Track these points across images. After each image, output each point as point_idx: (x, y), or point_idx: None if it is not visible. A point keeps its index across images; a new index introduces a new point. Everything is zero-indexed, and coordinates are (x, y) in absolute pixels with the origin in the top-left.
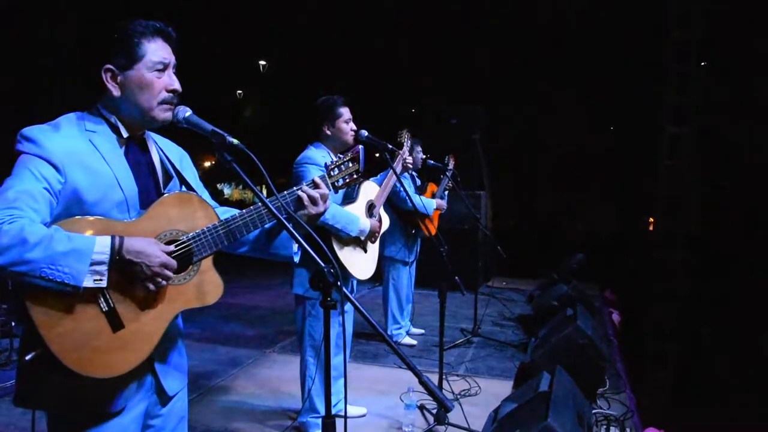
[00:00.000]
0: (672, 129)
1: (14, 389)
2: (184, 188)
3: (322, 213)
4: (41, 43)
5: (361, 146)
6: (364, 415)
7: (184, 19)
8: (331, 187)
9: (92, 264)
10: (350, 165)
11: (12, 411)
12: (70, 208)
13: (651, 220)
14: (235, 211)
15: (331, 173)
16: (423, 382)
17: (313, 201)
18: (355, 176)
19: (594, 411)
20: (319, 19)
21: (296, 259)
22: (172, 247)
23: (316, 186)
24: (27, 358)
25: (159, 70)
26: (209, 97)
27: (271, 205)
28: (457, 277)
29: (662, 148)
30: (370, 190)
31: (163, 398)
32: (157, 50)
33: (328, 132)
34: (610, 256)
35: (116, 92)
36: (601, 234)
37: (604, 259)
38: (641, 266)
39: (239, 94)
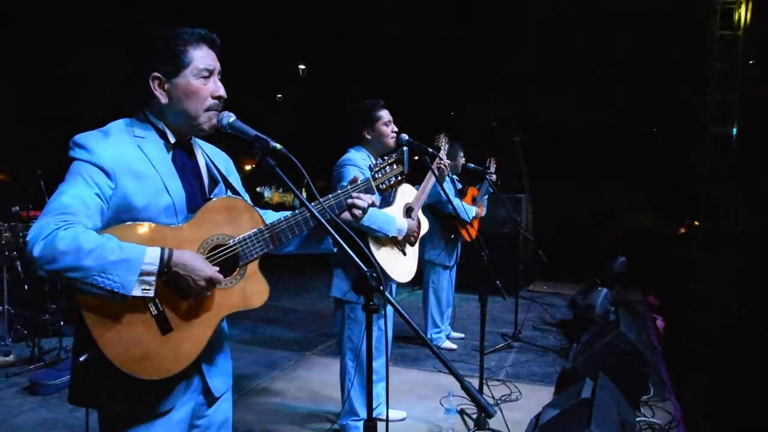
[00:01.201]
0: (716, 129)
1: (68, 388)
2: (230, 193)
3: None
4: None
5: (406, 148)
6: (403, 419)
7: (227, 24)
8: (375, 190)
9: (141, 274)
10: (395, 167)
11: (62, 408)
12: (119, 212)
13: (696, 223)
14: (277, 215)
15: (376, 175)
16: (465, 387)
17: (364, 211)
18: (399, 178)
19: (637, 419)
20: (356, 23)
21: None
22: (216, 269)
23: (366, 191)
24: (81, 359)
25: (205, 77)
26: (248, 101)
27: (314, 210)
28: (498, 282)
29: (705, 149)
30: (407, 193)
31: (210, 399)
32: (202, 57)
33: (368, 136)
34: (653, 259)
35: (164, 99)
36: (643, 237)
37: (647, 263)
38: (684, 270)
39: (279, 98)
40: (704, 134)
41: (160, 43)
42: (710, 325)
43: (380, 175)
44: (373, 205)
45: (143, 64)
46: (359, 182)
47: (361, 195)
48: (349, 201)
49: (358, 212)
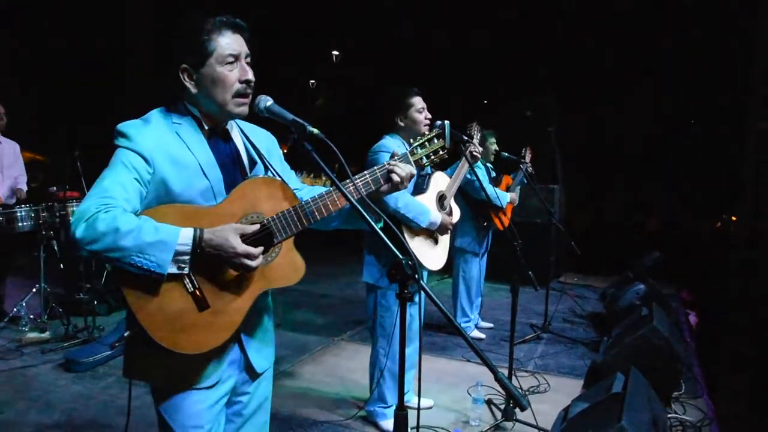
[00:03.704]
0: (762, 125)
1: (123, 360)
2: (269, 173)
3: (385, 211)
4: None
5: (447, 122)
6: (431, 407)
7: (262, 9)
8: (413, 165)
9: (176, 254)
10: (435, 141)
11: (95, 385)
12: (159, 196)
13: (733, 218)
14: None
15: (415, 150)
16: (499, 379)
17: (402, 180)
18: (440, 152)
19: (668, 416)
20: (390, 11)
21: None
22: (253, 228)
23: (397, 165)
24: (125, 334)
25: (230, 63)
26: (282, 86)
27: (347, 194)
28: (530, 272)
29: (750, 145)
30: (440, 181)
31: (252, 375)
32: (227, 44)
33: (401, 123)
34: (687, 255)
35: (194, 89)
36: (677, 231)
37: (681, 258)
38: (721, 266)
39: (312, 84)
40: (748, 128)
41: (184, 35)
42: (746, 321)
43: (420, 150)
44: (411, 176)
45: (171, 57)
46: (397, 157)
47: (399, 164)
48: (388, 167)
49: (396, 178)
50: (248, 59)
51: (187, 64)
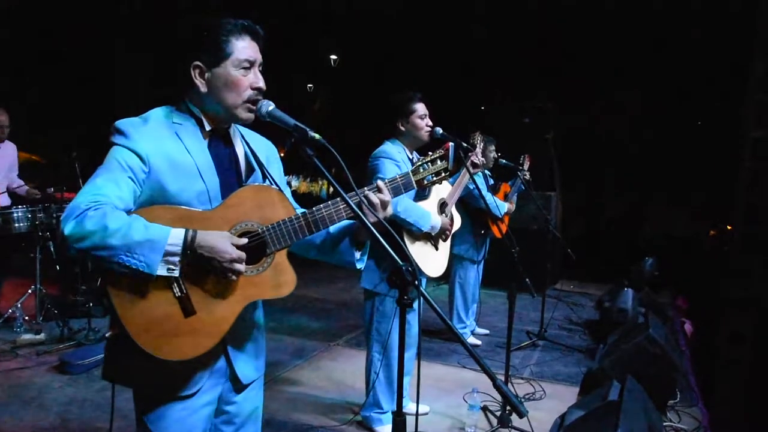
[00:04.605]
0: (755, 133)
1: (103, 362)
2: (267, 181)
3: (385, 218)
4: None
5: (452, 143)
6: (426, 413)
7: (260, 12)
8: (414, 185)
9: (165, 254)
10: (439, 162)
11: (89, 387)
12: (154, 196)
13: (729, 227)
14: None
15: (419, 169)
16: (497, 386)
17: (374, 207)
18: (443, 174)
19: (664, 424)
20: (389, 14)
21: (359, 266)
22: (244, 240)
23: (378, 191)
24: (107, 335)
25: (245, 68)
26: (279, 89)
27: (350, 201)
28: (527, 279)
29: (744, 151)
30: (442, 188)
31: (237, 385)
32: (244, 48)
33: (402, 128)
34: (683, 262)
35: (203, 88)
36: (675, 239)
37: (678, 266)
38: (717, 274)
39: (309, 87)
40: (745, 136)
41: (204, 33)
42: (744, 330)
43: (423, 170)
44: (385, 205)
45: (185, 53)
46: (398, 176)
47: (376, 193)
48: (368, 193)
49: (366, 207)
50: (260, 68)
51: (201, 61)
